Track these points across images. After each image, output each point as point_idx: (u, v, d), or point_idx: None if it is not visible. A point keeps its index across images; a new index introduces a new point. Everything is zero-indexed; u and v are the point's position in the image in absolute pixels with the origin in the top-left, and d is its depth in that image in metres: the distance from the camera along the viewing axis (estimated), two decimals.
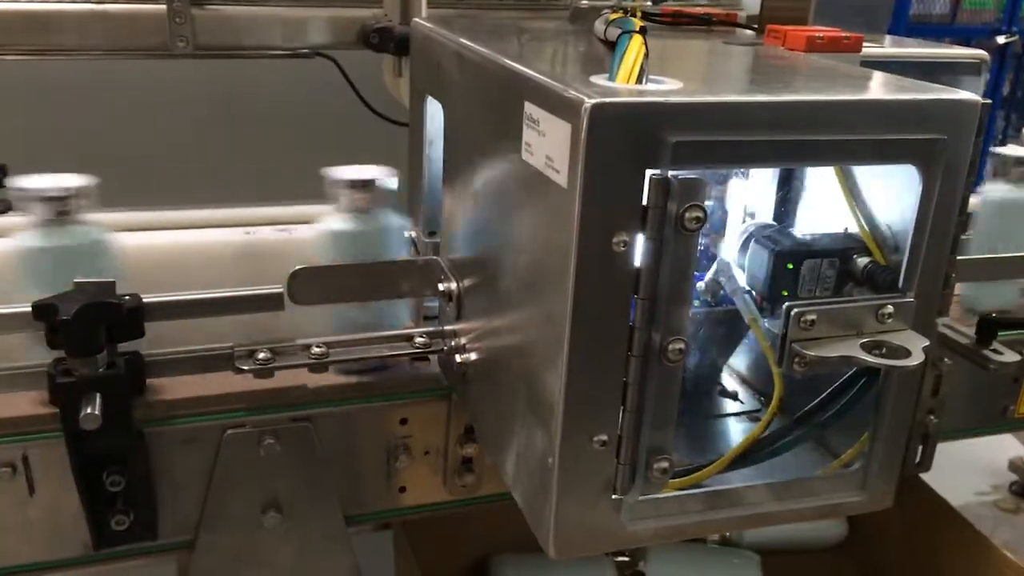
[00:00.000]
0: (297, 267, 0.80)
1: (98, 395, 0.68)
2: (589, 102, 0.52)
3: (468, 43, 0.74)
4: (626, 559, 1.17)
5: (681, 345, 0.58)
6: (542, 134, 0.58)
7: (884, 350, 0.61)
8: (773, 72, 0.70)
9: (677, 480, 0.68)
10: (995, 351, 0.96)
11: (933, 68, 0.89)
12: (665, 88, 0.57)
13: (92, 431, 0.69)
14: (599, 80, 0.58)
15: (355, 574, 0.89)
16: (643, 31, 0.62)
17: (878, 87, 0.62)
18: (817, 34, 0.77)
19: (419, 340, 0.85)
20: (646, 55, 0.62)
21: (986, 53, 0.87)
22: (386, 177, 0.80)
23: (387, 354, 0.84)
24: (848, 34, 0.78)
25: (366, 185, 0.79)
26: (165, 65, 1.20)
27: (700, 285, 0.81)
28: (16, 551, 0.79)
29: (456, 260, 0.80)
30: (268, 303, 0.79)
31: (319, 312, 0.82)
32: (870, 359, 0.59)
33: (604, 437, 0.60)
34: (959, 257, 0.98)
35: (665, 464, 0.61)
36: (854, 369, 0.66)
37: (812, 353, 0.60)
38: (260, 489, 0.83)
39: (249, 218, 0.95)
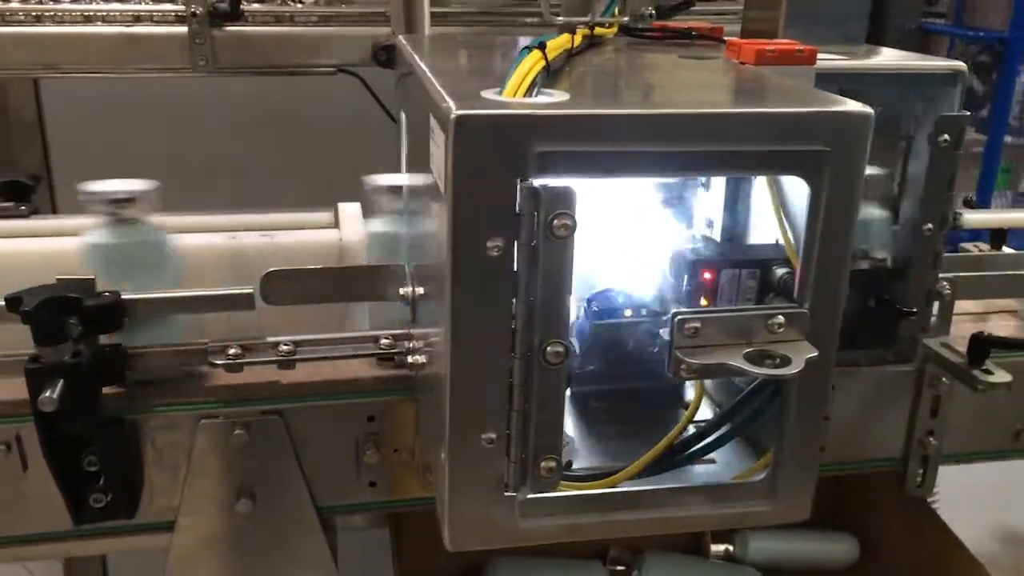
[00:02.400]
0: (271, 269, 0.86)
1: (61, 381, 0.74)
2: (456, 113, 0.55)
3: (416, 58, 0.78)
4: (621, 568, 1.18)
5: (560, 348, 0.60)
6: (437, 145, 0.62)
7: (764, 359, 0.61)
8: (686, 84, 0.71)
9: (595, 482, 0.70)
10: (986, 371, 0.93)
11: (903, 80, 0.87)
12: (539, 101, 0.60)
13: (61, 414, 0.76)
14: (488, 94, 0.61)
15: (328, 562, 0.93)
16: (542, 47, 0.64)
17: (769, 99, 0.62)
18: (768, 47, 0.78)
19: (384, 342, 0.89)
20: (545, 69, 0.65)
21: (963, 64, 0.85)
22: (146, 190, 0.85)
23: (351, 354, 0.88)
24: (802, 47, 0.78)
25: (128, 199, 0.85)
26: (211, 82, 1.29)
27: None
28: (11, 523, 0.87)
29: (412, 266, 0.84)
30: (238, 302, 0.85)
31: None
32: (746, 367, 0.60)
33: (493, 435, 0.63)
34: (965, 274, 0.99)
35: (552, 464, 0.63)
36: (759, 379, 0.67)
37: (694, 361, 0.61)
38: (233, 477, 0.89)
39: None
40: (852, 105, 0.60)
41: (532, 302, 0.59)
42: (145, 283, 0.84)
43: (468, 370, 0.61)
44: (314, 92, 1.46)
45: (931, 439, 1.03)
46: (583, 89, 0.64)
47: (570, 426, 0.85)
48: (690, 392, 0.88)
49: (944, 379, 1.00)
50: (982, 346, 0.94)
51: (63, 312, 0.75)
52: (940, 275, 0.96)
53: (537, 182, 0.57)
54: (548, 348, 0.60)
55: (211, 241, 0.93)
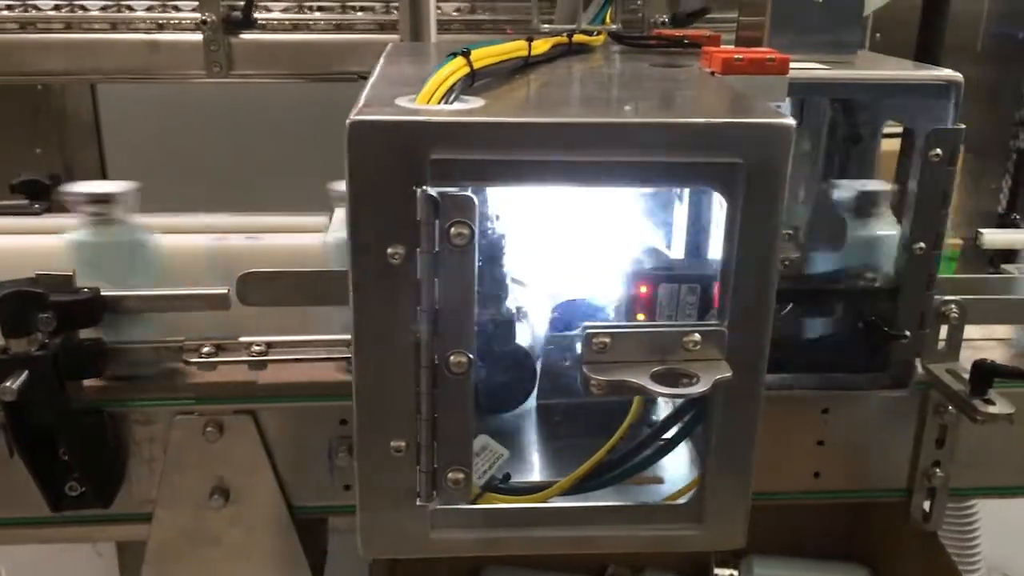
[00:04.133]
0: (247, 270, 0.88)
1: (26, 372, 0.77)
2: (350, 119, 0.55)
3: (377, 65, 0.78)
4: None
5: (463, 359, 0.60)
6: None
7: (674, 378, 0.59)
8: (630, 94, 0.69)
9: (526, 496, 0.69)
10: (987, 401, 0.87)
11: (890, 91, 0.83)
12: (446, 108, 0.59)
13: (29, 404, 0.79)
14: (403, 101, 0.60)
15: (301, 561, 0.94)
16: (465, 54, 0.64)
17: (687, 109, 0.60)
18: (736, 56, 0.75)
19: None
20: (470, 76, 0.64)
21: (958, 75, 0.80)
22: (125, 191, 0.87)
23: (323, 357, 0.89)
24: (775, 55, 0.75)
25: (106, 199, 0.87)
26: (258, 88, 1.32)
27: None
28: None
29: None
30: (213, 302, 0.87)
31: None
32: (649, 386, 0.58)
33: (402, 444, 0.62)
34: (976, 296, 0.94)
35: (460, 476, 0.62)
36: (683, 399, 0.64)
37: (600, 377, 0.59)
38: (207, 474, 0.91)
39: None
40: (771, 117, 0.58)
41: (437, 311, 0.59)
42: (125, 280, 0.87)
43: (374, 378, 0.61)
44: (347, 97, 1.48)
45: (937, 470, 0.97)
46: (513, 97, 0.63)
47: (532, 439, 0.84)
48: (664, 407, 0.86)
49: (951, 408, 0.95)
50: (985, 374, 0.88)
51: (29, 306, 0.78)
52: (948, 298, 0.92)
53: (436, 190, 0.56)
54: (451, 358, 0.60)
55: (196, 242, 0.95)
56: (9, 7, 1.25)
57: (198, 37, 1.19)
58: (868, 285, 0.88)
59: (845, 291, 0.88)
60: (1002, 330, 1.05)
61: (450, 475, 0.62)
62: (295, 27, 1.23)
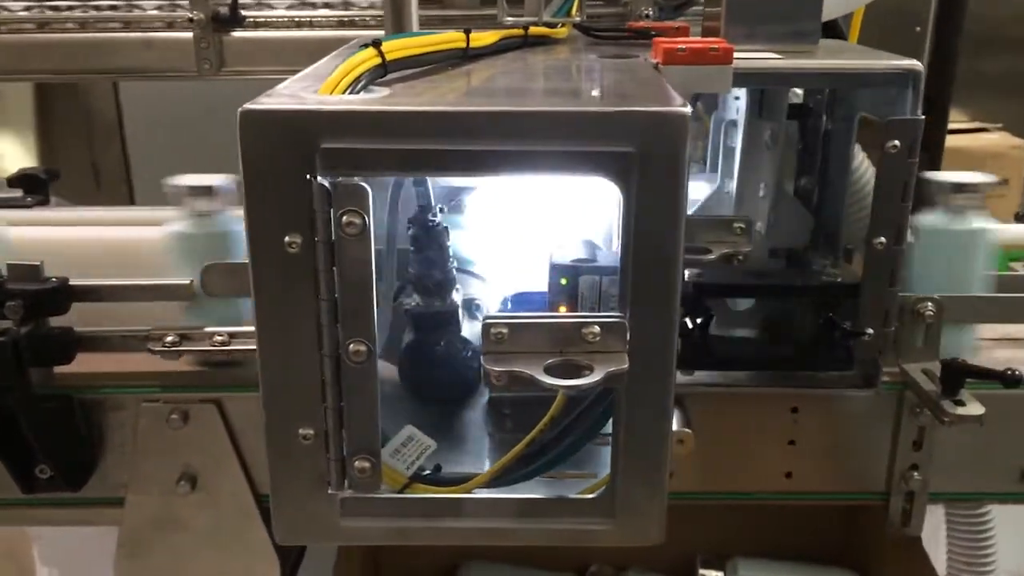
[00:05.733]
0: (210, 262, 0.89)
1: None
2: (241, 109, 0.56)
3: (324, 59, 0.79)
4: None
5: (362, 347, 0.60)
6: None
7: (568, 370, 0.58)
8: (553, 85, 0.69)
9: (453, 487, 0.69)
10: (957, 402, 0.84)
11: (847, 81, 0.81)
12: (348, 98, 0.59)
13: None
14: (306, 91, 0.61)
15: (268, 548, 0.96)
16: (376, 44, 0.64)
17: (585, 98, 0.59)
18: (678, 46, 0.74)
19: None
20: (380, 67, 0.64)
21: (918, 64, 0.77)
22: (226, 184, 0.87)
23: None
24: (719, 45, 0.74)
25: (207, 191, 0.86)
26: None
27: None
28: None
29: None
30: (177, 293, 0.89)
31: None
32: (540, 378, 0.57)
33: (310, 431, 0.63)
34: (953, 295, 0.90)
35: (366, 464, 0.63)
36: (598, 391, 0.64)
37: (496, 368, 0.59)
38: (173, 460, 0.93)
39: None
40: (665, 105, 0.56)
41: (334, 299, 0.59)
42: None
43: (278, 366, 0.61)
44: None
45: (915, 474, 0.94)
46: (424, 87, 0.63)
47: (483, 432, 0.84)
48: None
49: (928, 409, 0.92)
50: (955, 374, 0.85)
51: None
52: (923, 296, 0.89)
53: (328, 179, 0.57)
54: (350, 347, 0.60)
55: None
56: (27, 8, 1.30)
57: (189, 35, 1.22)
58: (830, 280, 0.86)
59: (804, 287, 0.86)
60: (1009, 329, 1.01)
61: (356, 464, 0.62)
62: (287, 24, 1.25)
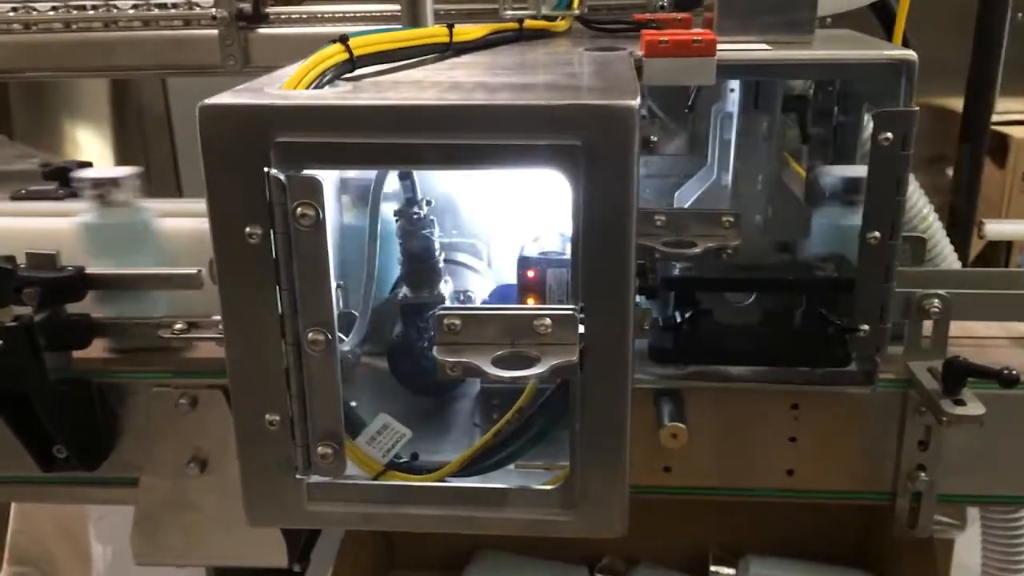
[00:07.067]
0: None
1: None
2: (200, 104, 0.58)
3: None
4: None
5: (321, 336, 0.61)
6: None
7: (515, 362, 0.58)
8: (524, 79, 0.69)
9: (424, 475, 0.70)
10: (959, 401, 0.82)
11: (839, 71, 0.79)
12: (311, 93, 0.61)
13: (6, 371, 0.86)
14: (270, 87, 0.63)
15: (274, 530, 0.98)
16: (343, 39, 0.65)
17: (539, 92, 0.60)
18: (661, 38, 0.73)
19: None
20: (348, 62, 0.66)
21: (912, 54, 0.75)
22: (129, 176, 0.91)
23: None
24: (702, 37, 0.73)
25: (113, 182, 0.91)
26: None
27: None
28: None
29: None
30: (186, 282, 0.92)
31: None
32: (488, 369, 0.58)
33: (276, 417, 0.65)
34: (962, 291, 0.88)
35: (329, 450, 0.64)
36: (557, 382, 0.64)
37: (448, 359, 0.60)
38: (184, 443, 0.96)
39: None
40: (612, 99, 0.56)
41: (293, 289, 0.61)
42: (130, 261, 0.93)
43: (244, 353, 0.64)
44: None
45: (922, 474, 0.91)
46: (390, 82, 0.64)
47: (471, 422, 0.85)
48: None
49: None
50: (957, 373, 0.83)
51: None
52: (930, 292, 0.87)
53: (283, 172, 0.58)
54: (309, 336, 0.61)
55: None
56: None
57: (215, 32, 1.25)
58: (825, 275, 0.84)
59: (796, 281, 0.84)
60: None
61: (320, 449, 0.64)
62: (310, 20, 1.28)
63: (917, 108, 0.76)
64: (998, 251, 2.17)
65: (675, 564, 1.16)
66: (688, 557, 1.17)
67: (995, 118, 2.62)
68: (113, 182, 0.96)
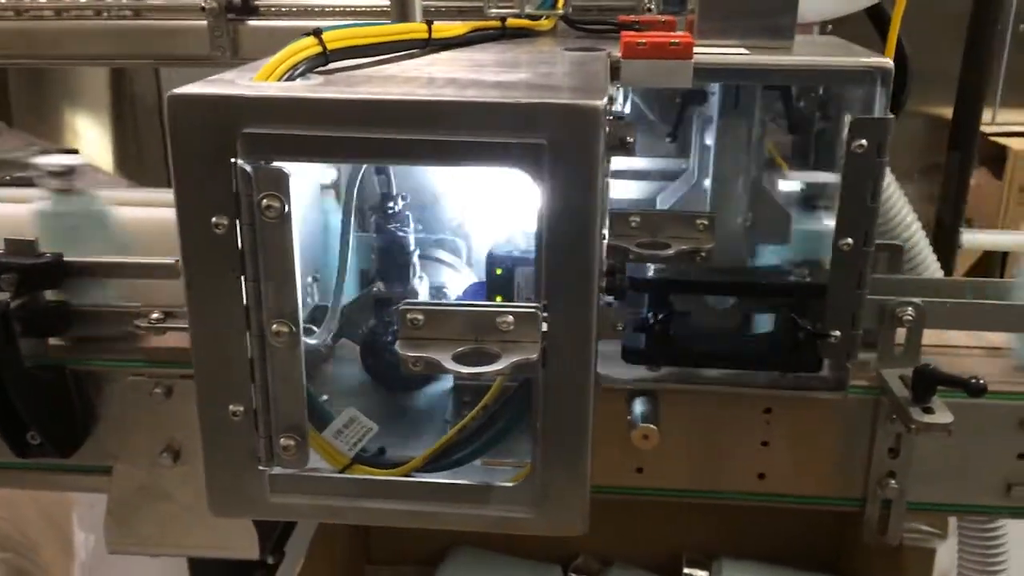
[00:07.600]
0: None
1: None
2: (168, 93, 0.58)
3: None
4: None
5: (284, 328, 0.62)
6: None
7: (476, 358, 0.59)
8: (499, 76, 0.69)
9: (397, 469, 0.71)
10: (927, 409, 0.82)
11: (814, 77, 0.80)
12: (281, 85, 0.61)
13: None
14: (241, 78, 0.63)
15: (246, 522, 0.98)
16: (316, 33, 0.65)
17: (509, 89, 0.60)
18: (639, 40, 0.74)
19: None
20: (320, 55, 0.66)
21: (888, 61, 0.76)
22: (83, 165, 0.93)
23: None
24: (681, 40, 0.73)
25: (68, 171, 0.91)
26: None
27: None
28: None
29: None
30: (161, 271, 0.92)
31: None
32: (447, 364, 0.58)
33: (240, 408, 0.65)
34: (937, 300, 0.88)
35: (291, 442, 0.64)
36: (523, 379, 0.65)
37: (410, 353, 0.60)
38: (158, 433, 0.96)
39: None
40: (578, 98, 0.57)
41: (258, 280, 0.61)
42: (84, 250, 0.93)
43: (208, 343, 0.64)
44: None
45: (891, 482, 0.91)
46: (361, 77, 0.65)
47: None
48: None
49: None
50: (927, 381, 0.83)
51: None
52: (905, 300, 0.87)
53: (250, 163, 0.58)
54: (274, 327, 0.62)
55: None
56: None
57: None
58: (797, 280, 0.85)
59: (768, 286, 0.85)
60: (1000, 338, 0.98)
61: (282, 441, 0.64)
62: (296, 13, 1.28)
63: (893, 116, 0.76)
64: (993, 263, 2.17)
65: (649, 565, 1.17)
66: (662, 558, 1.17)
67: (994, 129, 2.63)
68: (68, 170, 0.97)
